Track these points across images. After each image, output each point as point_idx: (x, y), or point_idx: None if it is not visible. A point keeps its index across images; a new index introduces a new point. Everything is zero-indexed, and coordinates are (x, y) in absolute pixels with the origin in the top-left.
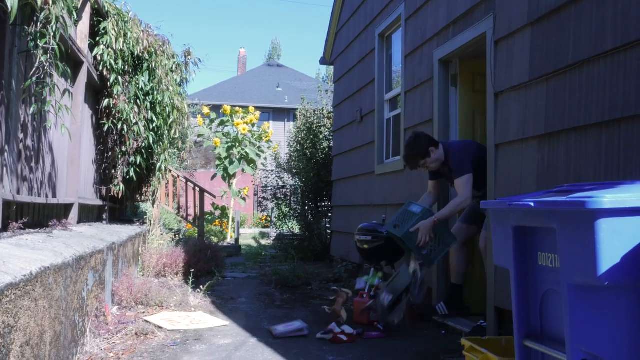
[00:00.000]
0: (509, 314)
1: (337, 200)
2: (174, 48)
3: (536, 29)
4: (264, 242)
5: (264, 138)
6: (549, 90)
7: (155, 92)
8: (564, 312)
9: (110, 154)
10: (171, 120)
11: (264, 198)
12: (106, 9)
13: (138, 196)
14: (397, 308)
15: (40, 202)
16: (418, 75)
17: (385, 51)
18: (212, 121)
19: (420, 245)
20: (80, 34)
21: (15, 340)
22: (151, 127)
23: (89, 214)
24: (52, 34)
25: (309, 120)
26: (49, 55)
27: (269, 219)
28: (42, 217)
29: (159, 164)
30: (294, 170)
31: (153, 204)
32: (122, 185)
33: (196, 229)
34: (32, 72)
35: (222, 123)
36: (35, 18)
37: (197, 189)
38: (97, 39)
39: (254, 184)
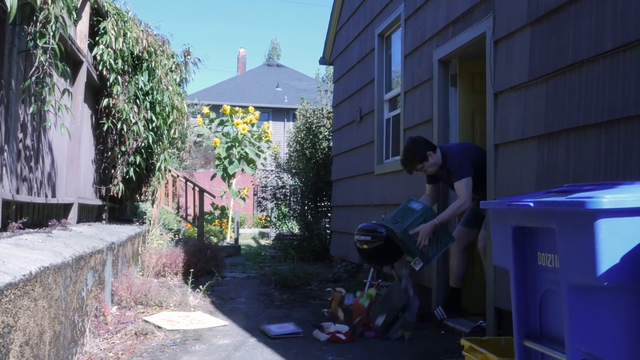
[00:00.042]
0: (509, 314)
1: (336, 200)
2: (174, 48)
3: (536, 29)
4: (263, 242)
5: (263, 138)
6: (548, 91)
7: (155, 92)
8: (564, 313)
9: (109, 153)
10: (171, 120)
11: (263, 198)
12: (106, 8)
13: (137, 196)
14: (394, 326)
15: (40, 201)
16: (417, 75)
17: (385, 51)
18: (211, 121)
19: (420, 247)
20: (79, 33)
21: (15, 340)
22: (151, 127)
23: (88, 214)
24: (51, 33)
25: (309, 120)
26: (48, 55)
27: (269, 219)
28: (41, 216)
29: (158, 164)
30: (294, 170)
31: (152, 203)
32: (121, 185)
33: (196, 228)
34: (31, 72)
35: (221, 123)
36: (34, 17)
37: (196, 188)
38: (97, 38)
39: (253, 184)
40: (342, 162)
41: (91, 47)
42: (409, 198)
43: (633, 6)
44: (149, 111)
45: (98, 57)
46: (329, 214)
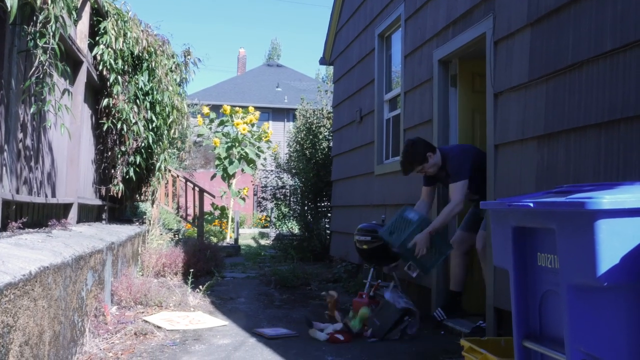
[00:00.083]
0: (508, 315)
1: (336, 200)
2: (174, 48)
3: (536, 30)
4: (263, 242)
5: (263, 138)
6: (548, 91)
7: (155, 92)
8: (563, 313)
9: (109, 153)
10: (170, 120)
11: (263, 198)
12: (106, 8)
13: (137, 196)
14: (394, 330)
15: (40, 201)
16: (417, 75)
17: (385, 51)
18: (211, 121)
19: (418, 257)
20: (79, 33)
21: (14, 339)
22: (150, 127)
23: (88, 214)
24: (51, 33)
25: (309, 121)
26: (48, 55)
27: (269, 219)
28: (41, 216)
29: (158, 164)
30: (294, 171)
31: (152, 203)
32: (121, 185)
33: (195, 228)
34: (31, 72)
35: (221, 123)
36: (34, 17)
37: (196, 188)
38: (97, 38)
39: (253, 184)
40: (342, 162)
41: (91, 47)
42: (404, 207)
43: (633, 7)
44: (149, 111)
45: (98, 57)
46: (329, 214)
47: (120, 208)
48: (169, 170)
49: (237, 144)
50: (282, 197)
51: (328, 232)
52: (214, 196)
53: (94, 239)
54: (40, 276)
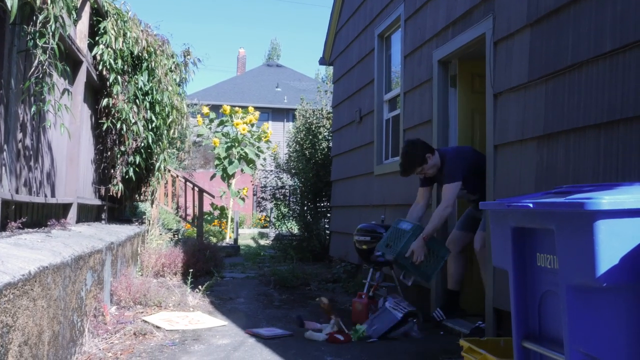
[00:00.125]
0: (508, 315)
1: (336, 200)
2: (173, 48)
3: (535, 30)
4: (262, 242)
5: (263, 138)
6: (548, 92)
7: (155, 92)
8: (563, 313)
9: (109, 153)
10: (170, 120)
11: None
12: (105, 8)
13: (137, 196)
14: (395, 331)
15: (39, 201)
16: (417, 75)
17: (385, 51)
18: (211, 121)
19: (417, 263)
20: (79, 33)
21: (14, 339)
22: (150, 127)
23: (87, 214)
24: (51, 33)
25: (308, 121)
26: (48, 55)
27: (268, 219)
28: (40, 216)
29: (157, 164)
30: (293, 171)
31: (152, 203)
32: (121, 185)
33: (195, 228)
34: (31, 72)
35: (221, 123)
36: (34, 17)
37: (196, 188)
38: (97, 38)
39: (253, 184)
40: (342, 162)
41: (91, 47)
42: (398, 219)
43: (632, 7)
44: (148, 111)
45: (98, 57)
46: (329, 214)
47: (119, 208)
48: (169, 170)
49: (236, 144)
50: (281, 197)
51: (327, 232)
52: (213, 196)
53: (93, 239)
54: (39, 276)
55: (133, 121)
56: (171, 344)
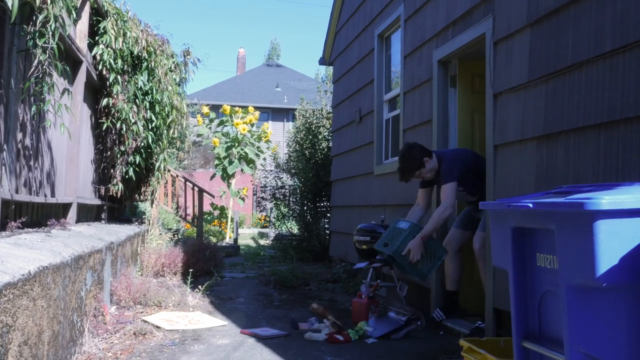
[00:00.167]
0: (508, 315)
1: (336, 200)
2: (173, 47)
3: (535, 30)
4: (262, 242)
5: (263, 138)
6: (547, 92)
7: (154, 92)
8: (563, 313)
9: (109, 153)
10: (170, 119)
11: (262, 198)
12: (105, 8)
13: (137, 196)
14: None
15: (39, 201)
16: (417, 75)
17: (385, 51)
18: (211, 121)
19: (414, 262)
20: (79, 33)
21: (14, 339)
22: (150, 127)
23: (87, 214)
24: (50, 33)
25: (308, 121)
26: (47, 55)
27: (268, 219)
28: (40, 216)
29: (157, 164)
30: (293, 171)
31: (152, 203)
32: (120, 185)
33: (195, 228)
34: (31, 71)
35: (221, 123)
36: (34, 17)
37: (196, 188)
38: (97, 38)
39: (252, 184)
40: (342, 162)
41: (91, 46)
42: (396, 219)
43: (632, 7)
44: (148, 111)
45: (98, 57)
46: (328, 214)
47: (119, 208)
48: (169, 170)
49: (236, 144)
50: (281, 197)
51: (327, 232)
52: (213, 196)
53: (93, 238)
54: (39, 276)
55: (133, 121)
56: (171, 343)
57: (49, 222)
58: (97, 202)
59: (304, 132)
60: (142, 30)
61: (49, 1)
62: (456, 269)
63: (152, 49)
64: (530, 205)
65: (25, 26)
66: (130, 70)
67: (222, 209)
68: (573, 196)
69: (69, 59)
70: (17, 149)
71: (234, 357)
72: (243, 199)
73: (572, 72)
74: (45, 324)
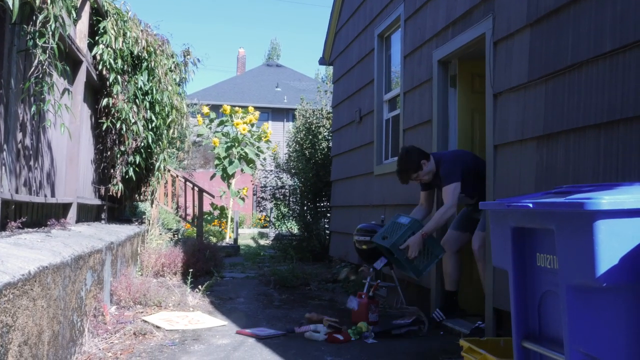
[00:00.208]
0: (508, 315)
1: (336, 200)
2: (173, 47)
3: (535, 30)
4: (262, 242)
5: (263, 138)
6: (547, 92)
7: (154, 92)
8: (563, 313)
9: (109, 153)
10: (170, 119)
11: (262, 198)
12: (105, 8)
13: (137, 196)
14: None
15: (39, 201)
16: (417, 75)
17: (385, 51)
18: (211, 121)
19: (411, 258)
20: (79, 33)
21: (14, 339)
22: (150, 127)
23: (87, 214)
24: (50, 33)
25: (308, 121)
26: (47, 54)
27: (268, 219)
28: (40, 216)
29: (157, 164)
30: (293, 171)
31: (152, 203)
32: (120, 185)
33: (195, 228)
34: (31, 71)
35: (221, 123)
36: (34, 17)
37: (195, 188)
38: (97, 38)
39: (253, 184)
40: (342, 162)
41: (91, 46)
42: (397, 214)
43: (632, 7)
44: (148, 111)
45: (98, 57)
46: (328, 214)
47: (119, 208)
48: (169, 170)
49: (236, 144)
50: (281, 197)
51: (327, 232)
52: (213, 196)
53: (93, 238)
54: (39, 276)
55: (133, 121)
56: (171, 343)
57: (49, 222)
58: (97, 202)
59: (304, 132)
60: (142, 30)
61: (49, 1)
62: (455, 269)
63: (152, 49)
64: (530, 205)
65: (25, 26)
66: (130, 70)
67: (222, 209)
68: (573, 196)
69: (69, 59)
70: (17, 149)
71: (234, 357)
72: (243, 199)
73: (572, 72)
74: (45, 324)
